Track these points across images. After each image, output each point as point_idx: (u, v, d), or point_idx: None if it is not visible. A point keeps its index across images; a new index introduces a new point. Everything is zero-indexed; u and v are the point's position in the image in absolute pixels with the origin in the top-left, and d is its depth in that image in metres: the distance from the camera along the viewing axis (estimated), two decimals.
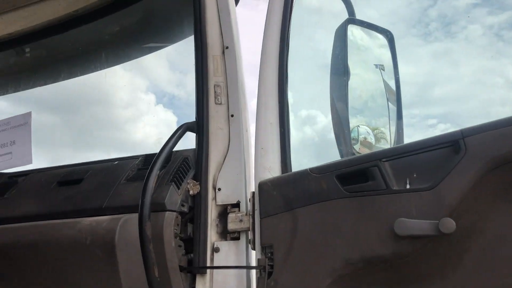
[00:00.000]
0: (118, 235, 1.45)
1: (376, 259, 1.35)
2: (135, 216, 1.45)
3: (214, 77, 1.81)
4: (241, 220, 1.63)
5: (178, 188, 1.61)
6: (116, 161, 1.87)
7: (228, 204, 1.68)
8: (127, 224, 1.49)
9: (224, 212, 1.68)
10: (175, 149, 1.77)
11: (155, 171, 1.49)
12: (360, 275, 1.39)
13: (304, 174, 1.49)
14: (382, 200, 1.35)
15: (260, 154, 1.64)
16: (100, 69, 2.63)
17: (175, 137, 1.64)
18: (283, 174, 1.58)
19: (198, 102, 1.79)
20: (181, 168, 1.66)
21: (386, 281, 1.39)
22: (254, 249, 1.55)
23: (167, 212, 1.53)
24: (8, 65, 2.93)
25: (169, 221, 1.52)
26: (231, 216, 1.65)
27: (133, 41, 2.56)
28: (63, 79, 2.73)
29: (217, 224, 1.67)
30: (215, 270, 1.60)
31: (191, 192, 1.66)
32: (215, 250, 1.63)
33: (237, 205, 1.68)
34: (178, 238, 1.59)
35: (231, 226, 1.64)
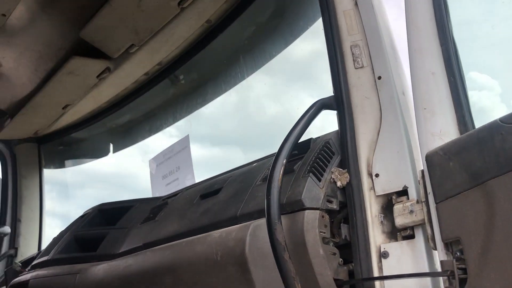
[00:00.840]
0: (249, 246, 1.16)
1: None
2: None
3: (349, 37, 1.43)
4: (411, 211, 1.17)
5: (319, 180, 1.25)
6: (254, 162, 1.62)
7: (392, 193, 1.25)
8: (259, 231, 1.18)
9: (388, 204, 1.25)
10: (315, 136, 1.44)
11: (281, 160, 1.17)
12: None
13: (493, 128, 0.99)
14: None
15: (424, 118, 1.18)
16: (243, 79, 2.47)
17: (306, 117, 1.30)
18: (460, 136, 1.09)
19: (333, 71, 1.42)
20: (321, 155, 1.30)
21: None
22: (435, 248, 1.08)
23: (307, 210, 1.18)
24: (168, 96, 3.00)
25: (311, 222, 1.17)
26: (398, 208, 1.21)
27: (270, 38, 2.34)
28: (212, 98, 2.66)
29: (381, 221, 1.25)
30: (386, 282, 1.17)
31: (338, 184, 1.27)
32: (383, 255, 1.20)
33: (404, 192, 1.23)
34: (330, 243, 1.22)
35: (400, 221, 1.19)
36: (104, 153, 3.60)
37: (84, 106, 3.22)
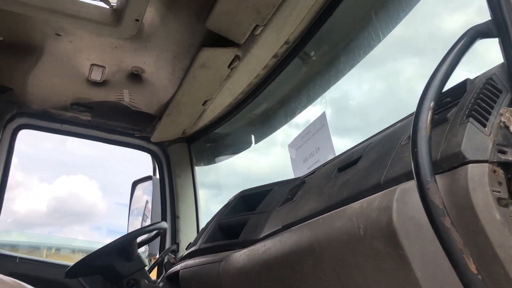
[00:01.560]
0: (396, 214, 0.93)
1: None
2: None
3: None
4: None
5: (484, 126, 0.96)
6: (398, 123, 1.36)
7: None
8: (408, 196, 0.94)
9: None
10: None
11: (427, 103, 0.91)
12: None
13: None
14: None
15: None
16: (378, 40, 2.19)
17: (455, 51, 1.01)
18: None
19: None
20: (482, 95, 1.01)
21: None
22: None
23: (471, 164, 0.90)
24: (300, 76, 2.86)
25: (478, 178, 0.89)
26: None
27: None
28: (347, 69, 2.43)
29: None
30: None
31: None
32: None
33: None
34: (510, 206, 0.92)
35: None
36: (247, 145, 3.61)
37: (223, 100, 3.25)
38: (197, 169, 3.89)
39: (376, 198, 1.01)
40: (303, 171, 2.61)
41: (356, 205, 1.07)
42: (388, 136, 1.30)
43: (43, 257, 5.27)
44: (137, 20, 2.52)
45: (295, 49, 2.62)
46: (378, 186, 1.11)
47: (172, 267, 2.23)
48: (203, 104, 3.19)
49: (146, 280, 2.68)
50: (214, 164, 4.04)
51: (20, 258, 3.24)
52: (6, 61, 3.00)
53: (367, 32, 2.21)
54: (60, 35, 2.73)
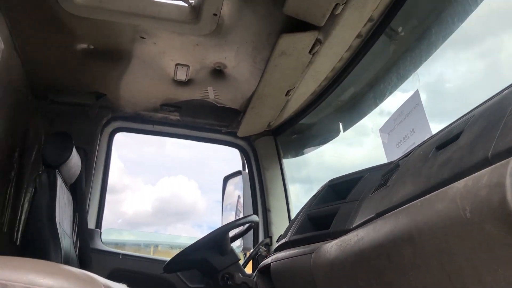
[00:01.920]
0: (511, 191, 0.78)
1: None
2: None
3: None
4: None
5: None
6: (505, 89, 1.18)
7: None
8: None
9: None
10: None
11: None
12: None
13: None
14: None
15: None
16: (476, 4, 1.95)
17: None
18: None
19: None
20: None
21: None
22: None
23: None
24: (388, 54, 2.67)
25: None
26: None
27: None
28: (440, 41, 2.20)
29: None
30: None
31: None
32: None
33: None
34: None
35: None
36: (335, 133, 3.48)
37: (306, 88, 3.16)
38: (286, 163, 3.83)
39: (484, 175, 0.86)
40: (396, 156, 2.43)
41: (459, 184, 0.93)
42: (494, 106, 1.13)
43: (150, 253, 5.58)
44: (215, 14, 2.52)
45: (380, 26, 2.45)
46: (485, 161, 0.95)
47: (264, 260, 2.19)
48: (286, 94, 3.12)
49: (240, 274, 2.68)
50: (302, 157, 3.96)
51: (123, 254, 3.42)
52: (98, 68, 3.16)
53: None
54: (144, 38, 2.81)
